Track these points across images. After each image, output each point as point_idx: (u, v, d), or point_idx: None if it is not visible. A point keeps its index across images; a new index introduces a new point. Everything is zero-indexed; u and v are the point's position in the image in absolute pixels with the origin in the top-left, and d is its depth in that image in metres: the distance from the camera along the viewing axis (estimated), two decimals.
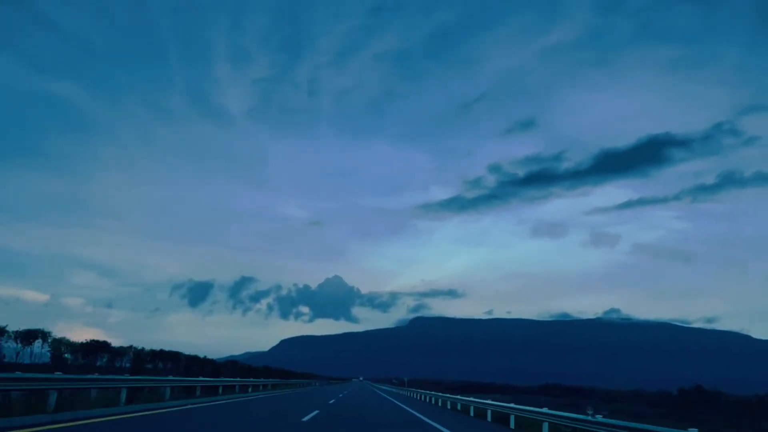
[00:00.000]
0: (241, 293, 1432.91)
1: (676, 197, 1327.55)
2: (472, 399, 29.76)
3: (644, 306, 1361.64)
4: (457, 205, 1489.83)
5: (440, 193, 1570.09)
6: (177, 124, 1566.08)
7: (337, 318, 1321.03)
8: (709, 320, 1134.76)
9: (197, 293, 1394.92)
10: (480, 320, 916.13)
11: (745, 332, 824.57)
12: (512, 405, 22.27)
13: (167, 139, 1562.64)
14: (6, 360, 18.93)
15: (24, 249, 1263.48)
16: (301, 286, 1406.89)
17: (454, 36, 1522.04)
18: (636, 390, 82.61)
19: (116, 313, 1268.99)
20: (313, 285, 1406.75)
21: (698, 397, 59.22)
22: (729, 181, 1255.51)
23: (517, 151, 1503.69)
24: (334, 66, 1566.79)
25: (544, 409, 18.16)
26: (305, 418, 18.29)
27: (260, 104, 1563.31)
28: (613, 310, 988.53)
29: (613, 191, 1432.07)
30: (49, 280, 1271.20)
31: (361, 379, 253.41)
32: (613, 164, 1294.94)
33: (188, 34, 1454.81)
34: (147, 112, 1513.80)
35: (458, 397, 33.84)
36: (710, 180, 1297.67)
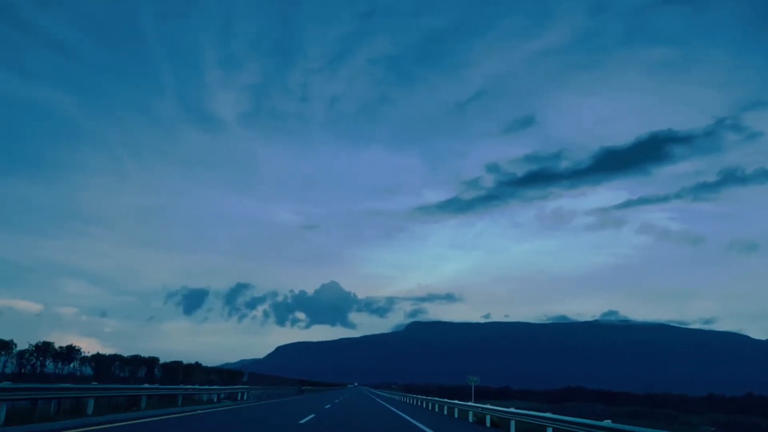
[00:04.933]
0: (237, 300, 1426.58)
1: (677, 195, 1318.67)
2: (496, 408, 27.05)
3: (642, 307, 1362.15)
4: (453, 206, 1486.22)
5: (436, 196, 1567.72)
6: (168, 130, 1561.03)
7: (333, 324, 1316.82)
8: (707, 321, 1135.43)
9: (192, 301, 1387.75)
10: (478, 324, 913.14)
11: (743, 333, 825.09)
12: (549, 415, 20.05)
13: (158, 146, 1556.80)
14: None
15: (15, 258, 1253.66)
16: (297, 292, 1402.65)
17: (446, 40, 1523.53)
18: (654, 394, 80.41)
19: (111, 322, 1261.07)
20: (310, 291, 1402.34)
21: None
22: (731, 178, 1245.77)
23: (515, 150, 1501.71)
24: (326, 71, 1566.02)
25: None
26: None
27: (252, 110, 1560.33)
28: (611, 312, 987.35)
29: (613, 190, 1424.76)
30: (41, 290, 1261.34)
31: (355, 384, 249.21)
32: (612, 162, 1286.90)
33: (178, 40, 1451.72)
34: (137, 120, 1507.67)
35: (485, 405, 30.50)
36: (711, 178, 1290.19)
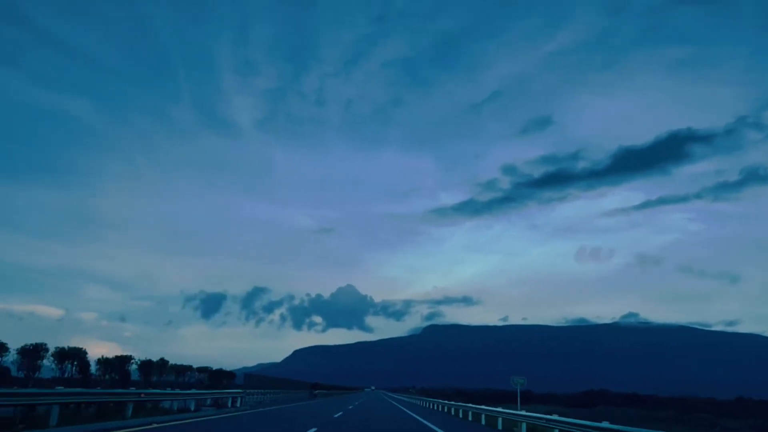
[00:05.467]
0: (254, 304, 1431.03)
1: (698, 195, 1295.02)
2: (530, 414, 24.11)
3: (663, 310, 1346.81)
4: (470, 209, 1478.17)
5: (452, 198, 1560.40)
6: (185, 136, 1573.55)
7: (350, 327, 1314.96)
8: (730, 323, 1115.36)
9: (210, 305, 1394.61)
10: (495, 327, 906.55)
11: (766, 335, 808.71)
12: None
13: (175, 151, 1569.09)
14: None
15: (36, 264, 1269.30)
16: (313, 295, 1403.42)
17: (460, 42, 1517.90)
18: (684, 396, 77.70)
19: (130, 326, 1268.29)
20: (326, 294, 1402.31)
21: None
22: (753, 177, 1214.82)
23: (532, 151, 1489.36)
24: (341, 75, 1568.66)
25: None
26: None
27: (268, 115, 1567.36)
28: (631, 314, 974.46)
29: (632, 191, 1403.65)
30: (62, 295, 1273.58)
31: (372, 388, 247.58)
32: (631, 163, 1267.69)
33: (194, 46, 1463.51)
34: (154, 125, 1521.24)
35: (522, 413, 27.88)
36: (733, 177, 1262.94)
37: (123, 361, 27.87)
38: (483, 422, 28.67)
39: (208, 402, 31.46)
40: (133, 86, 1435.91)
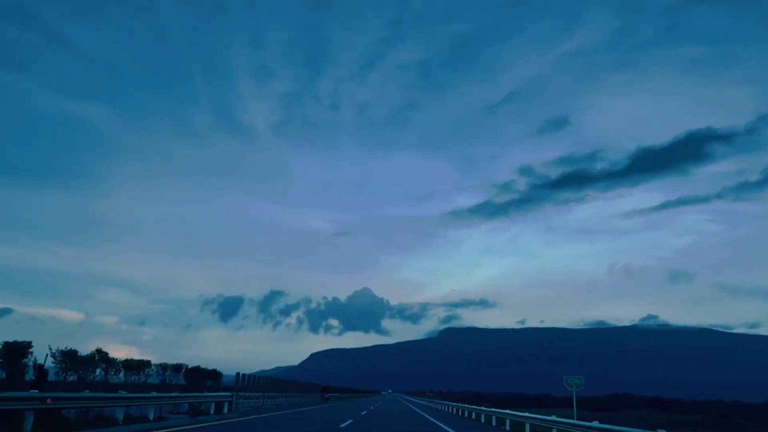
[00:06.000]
0: (271, 307, 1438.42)
1: (718, 196, 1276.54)
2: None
3: (683, 312, 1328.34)
4: (486, 211, 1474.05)
5: (468, 200, 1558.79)
6: (202, 140, 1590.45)
7: (367, 330, 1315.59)
8: (752, 325, 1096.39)
9: (227, 308, 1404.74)
10: (513, 330, 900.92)
11: None
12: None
13: (193, 156, 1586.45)
14: None
15: (57, 269, 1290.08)
16: (330, 298, 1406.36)
17: (475, 44, 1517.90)
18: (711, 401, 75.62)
19: (149, 330, 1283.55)
20: (342, 297, 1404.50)
21: None
22: None
23: (549, 152, 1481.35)
24: (356, 78, 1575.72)
25: None
26: None
27: (283, 119, 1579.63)
28: (650, 317, 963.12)
29: (651, 191, 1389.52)
30: (83, 299, 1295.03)
31: (389, 391, 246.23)
32: (649, 163, 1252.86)
33: (211, 51, 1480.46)
34: (172, 131, 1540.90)
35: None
36: (754, 177, 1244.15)
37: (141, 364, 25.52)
38: (507, 427, 27.56)
39: (185, 408, 26.42)
40: (150, 92, 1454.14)
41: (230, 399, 29.39)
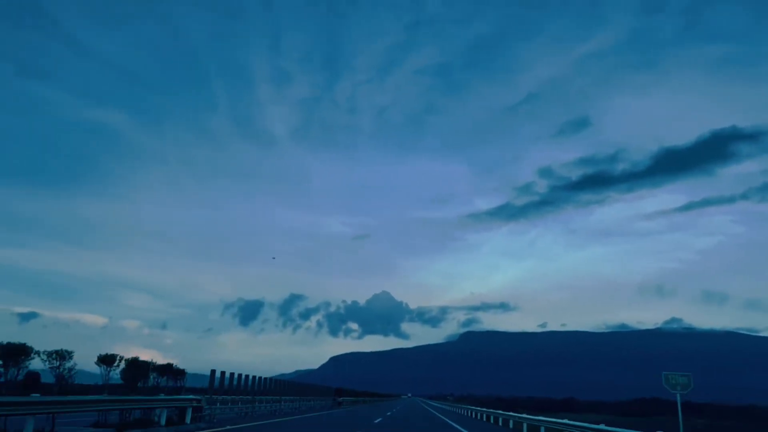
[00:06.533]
0: (291, 311, 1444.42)
1: (743, 196, 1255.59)
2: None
3: (708, 315, 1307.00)
4: (505, 213, 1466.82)
5: (487, 203, 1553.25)
6: (221, 146, 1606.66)
7: (386, 334, 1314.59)
8: None
9: (248, 312, 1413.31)
10: (534, 333, 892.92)
11: None
12: None
13: (212, 161, 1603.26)
14: None
15: (81, 273, 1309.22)
16: (349, 302, 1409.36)
17: (493, 46, 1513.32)
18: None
19: (171, 334, 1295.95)
20: (362, 301, 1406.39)
21: None
22: None
23: (569, 153, 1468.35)
24: (374, 83, 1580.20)
25: None
26: None
27: (302, 124, 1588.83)
28: (674, 320, 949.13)
29: (674, 193, 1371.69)
30: (106, 304, 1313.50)
31: (409, 395, 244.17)
32: (672, 163, 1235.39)
33: (230, 58, 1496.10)
34: (192, 136, 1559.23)
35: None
36: None
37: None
38: None
39: (136, 415, 19.68)
40: (170, 98, 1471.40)
41: (194, 405, 22.11)
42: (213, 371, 26.21)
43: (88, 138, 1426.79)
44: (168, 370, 22.85)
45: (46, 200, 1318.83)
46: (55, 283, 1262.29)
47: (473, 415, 47.37)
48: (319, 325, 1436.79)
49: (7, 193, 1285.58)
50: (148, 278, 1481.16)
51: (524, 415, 29.44)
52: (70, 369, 17.53)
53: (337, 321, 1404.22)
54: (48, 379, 18.08)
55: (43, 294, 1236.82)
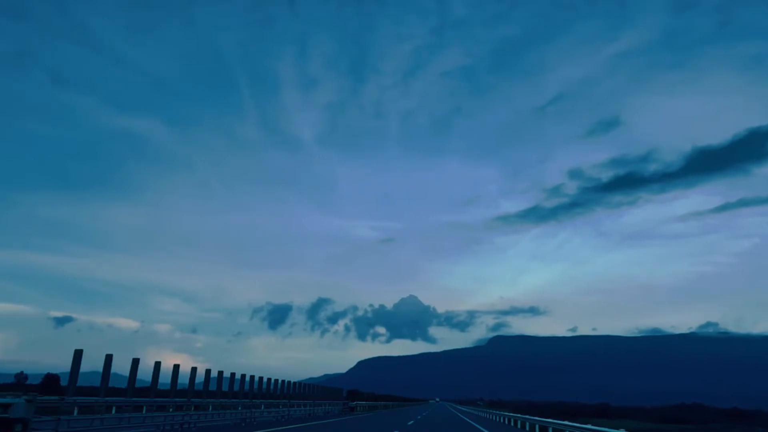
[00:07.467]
0: (319, 315, 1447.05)
1: None
2: None
3: (744, 319, 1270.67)
4: (535, 215, 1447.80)
5: (516, 205, 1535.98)
6: (250, 152, 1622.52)
7: (414, 338, 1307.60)
8: None
9: (276, 316, 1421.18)
10: (564, 338, 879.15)
11: None
12: None
13: (241, 167, 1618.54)
14: None
15: (115, 279, 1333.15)
16: (377, 306, 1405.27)
17: (520, 47, 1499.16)
18: None
19: (201, 338, 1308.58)
20: (389, 305, 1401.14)
21: None
22: None
23: (599, 154, 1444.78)
24: (400, 86, 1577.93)
25: None
26: None
27: (329, 129, 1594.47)
28: (709, 324, 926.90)
29: (708, 194, 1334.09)
30: (138, 308, 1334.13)
31: (437, 400, 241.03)
32: (706, 163, 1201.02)
33: (257, 64, 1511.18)
34: (221, 142, 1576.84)
35: None
36: None
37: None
38: None
39: None
40: (199, 105, 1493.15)
41: (24, 420, 12.93)
42: (135, 360, 19.28)
43: (119, 145, 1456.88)
44: None
45: (80, 207, 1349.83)
46: (88, 288, 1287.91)
47: (512, 423, 44.61)
48: (347, 329, 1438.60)
49: (44, 201, 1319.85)
50: (179, 283, 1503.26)
51: (575, 424, 26.49)
52: None
53: (364, 325, 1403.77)
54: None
55: (78, 298, 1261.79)
